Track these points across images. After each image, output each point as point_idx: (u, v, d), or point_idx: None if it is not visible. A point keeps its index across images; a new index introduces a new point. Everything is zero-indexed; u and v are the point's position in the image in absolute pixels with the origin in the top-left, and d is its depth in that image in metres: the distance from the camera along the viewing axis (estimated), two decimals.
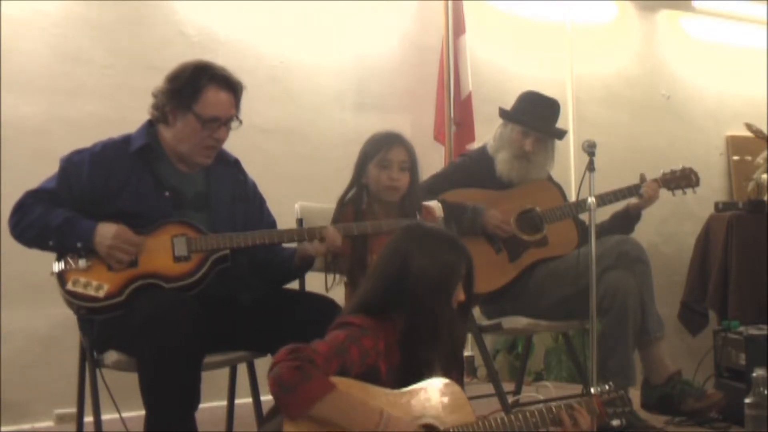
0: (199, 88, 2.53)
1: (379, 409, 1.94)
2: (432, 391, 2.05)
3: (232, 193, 2.71)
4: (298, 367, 1.88)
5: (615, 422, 2.18)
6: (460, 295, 2.13)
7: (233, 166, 2.77)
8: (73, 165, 2.55)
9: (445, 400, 2.05)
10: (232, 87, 2.59)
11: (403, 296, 2.07)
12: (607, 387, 2.20)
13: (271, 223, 2.80)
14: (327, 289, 2.84)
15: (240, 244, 2.53)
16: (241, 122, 2.63)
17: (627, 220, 3.42)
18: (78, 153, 2.58)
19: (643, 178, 3.39)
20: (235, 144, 2.75)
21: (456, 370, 2.18)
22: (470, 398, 2.20)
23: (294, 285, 2.88)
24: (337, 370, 1.96)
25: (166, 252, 2.48)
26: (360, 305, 2.13)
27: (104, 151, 2.57)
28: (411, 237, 2.15)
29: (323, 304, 2.58)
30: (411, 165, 2.91)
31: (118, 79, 3.79)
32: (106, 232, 2.43)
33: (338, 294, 2.78)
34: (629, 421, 2.22)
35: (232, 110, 2.59)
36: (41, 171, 2.59)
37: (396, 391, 2.03)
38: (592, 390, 2.20)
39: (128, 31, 3.86)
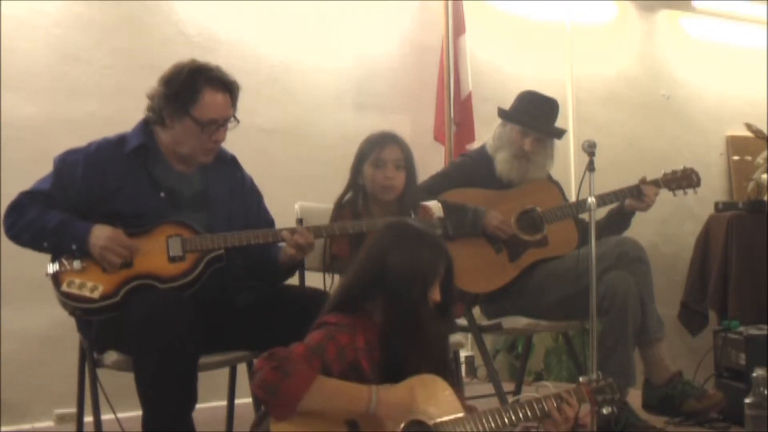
0: (196, 92, 2.51)
1: (367, 388, 1.95)
2: (418, 387, 2.05)
3: (230, 192, 2.70)
4: (276, 366, 1.89)
5: (605, 410, 2.20)
6: (436, 295, 2.13)
7: (230, 163, 2.76)
8: (68, 165, 2.54)
9: (432, 395, 2.05)
10: (228, 87, 2.58)
11: (379, 289, 2.08)
12: (595, 376, 2.21)
13: (268, 220, 2.80)
14: (326, 291, 2.84)
15: (235, 243, 2.52)
16: (238, 122, 2.62)
17: (622, 218, 3.41)
18: (72, 153, 2.57)
19: (643, 181, 3.39)
20: (235, 144, 2.75)
21: (443, 371, 2.18)
22: (470, 398, 2.21)
23: (294, 283, 2.89)
24: (319, 369, 1.97)
25: (161, 252, 2.48)
26: (337, 303, 2.15)
27: (99, 152, 2.56)
28: (391, 233, 2.17)
29: (320, 299, 2.57)
30: (406, 163, 2.91)
31: (118, 79, 3.79)
32: (100, 233, 2.43)
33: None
34: (619, 408, 2.22)
35: (229, 111, 2.59)
36: (41, 171, 2.59)
37: (381, 387, 2.03)
38: (581, 379, 2.21)
39: (128, 31, 3.86)
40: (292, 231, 2.59)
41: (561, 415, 2.12)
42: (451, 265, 2.16)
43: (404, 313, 2.07)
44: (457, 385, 2.23)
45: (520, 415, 2.10)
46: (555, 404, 2.12)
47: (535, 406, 2.11)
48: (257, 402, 2.81)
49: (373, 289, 2.10)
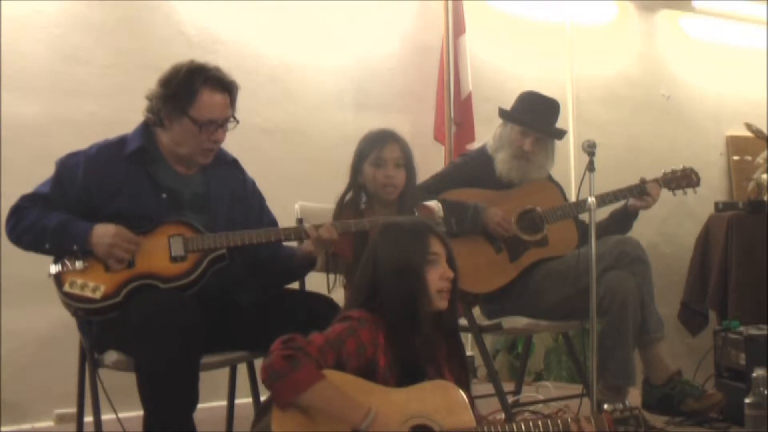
0: (194, 92, 2.52)
1: (367, 405, 1.95)
2: (430, 392, 2.05)
3: (231, 193, 2.70)
4: (289, 356, 1.91)
5: None
6: (447, 272, 2.13)
7: (232, 165, 2.76)
8: (68, 169, 2.54)
9: (443, 401, 2.05)
10: (227, 87, 2.58)
11: (380, 289, 2.09)
12: (621, 406, 2.14)
13: (271, 222, 2.80)
14: (329, 290, 2.85)
15: (237, 242, 2.53)
16: (237, 122, 2.62)
17: (625, 219, 3.42)
18: (73, 156, 2.58)
19: (643, 182, 3.39)
20: (235, 144, 2.75)
21: (456, 361, 2.18)
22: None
23: (294, 285, 2.89)
24: (334, 362, 1.97)
25: (162, 252, 2.48)
26: (355, 300, 2.16)
27: (99, 154, 2.57)
28: (379, 232, 2.20)
29: (322, 303, 2.59)
30: (406, 161, 2.92)
31: (118, 79, 3.79)
32: (105, 232, 2.43)
33: (340, 295, 2.78)
34: None
35: (228, 111, 2.59)
36: (41, 171, 2.59)
37: (393, 389, 2.03)
38: (606, 406, 2.16)
39: (128, 31, 3.86)
40: (317, 227, 2.60)
41: None
42: (445, 239, 2.16)
43: (404, 305, 2.08)
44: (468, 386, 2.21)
45: (533, 431, 2.06)
46: (570, 425, 2.08)
47: (551, 427, 2.06)
48: (257, 402, 2.82)
49: (375, 291, 2.11)
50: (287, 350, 1.92)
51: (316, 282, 2.91)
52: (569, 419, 2.09)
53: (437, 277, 2.12)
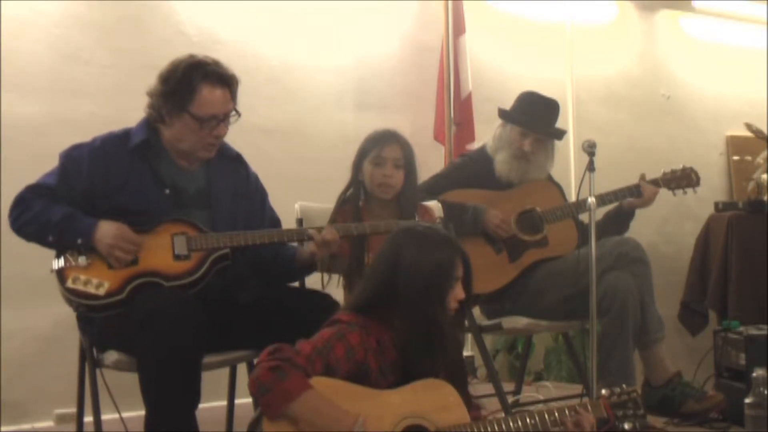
0: (193, 88, 2.51)
1: (355, 413, 1.94)
2: (423, 391, 2.04)
3: (234, 189, 2.70)
4: (275, 367, 1.90)
5: (627, 425, 2.11)
6: (460, 294, 2.12)
7: (235, 161, 2.76)
8: (73, 160, 2.54)
9: (437, 400, 2.04)
10: (226, 82, 2.57)
11: (396, 296, 2.07)
12: (618, 389, 2.13)
13: (273, 218, 2.80)
14: (323, 287, 2.85)
15: (240, 243, 2.52)
16: (239, 115, 2.61)
17: (621, 218, 3.41)
18: (77, 148, 2.57)
19: (643, 178, 3.39)
20: (235, 144, 2.76)
21: (458, 372, 2.18)
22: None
23: (294, 283, 2.88)
24: (323, 369, 1.96)
25: (166, 250, 2.48)
26: (353, 304, 2.15)
27: (103, 147, 2.56)
28: (404, 237, 2.15)
29: (323, 301, 2.58)
30: (406, 162, 2.92)
31: (118, 79, 3.79)
32: (107, 231, 2.43)
33: (338, 295, 2.77)
34: (642, 425, 2.15)
35: (228, 105, 2.57)
36: (41, 171, 2.59)
37: (386, 391, 2.02)
38: (603, 391, 2.15)
39: (128, 31, 3.86)
40: (319, 229, 2.60)
41: (576, 428, 2.06)
42: (468, 262, 2.15)
43: (423, 325, 2.05)
44: (466, 386, 2.21)
45: (529, 425, 2.05)
46: (569, 416, 2.07)
47: (547, 417, 2.06)
48: (257, 402, 2.81)
49: (389, 294, 2.08)
50: (273, 361, 1.91)
51: (316, 281, 2.90)
52: (566, 409, 2.08)
53: (451, 298, 2.11)
